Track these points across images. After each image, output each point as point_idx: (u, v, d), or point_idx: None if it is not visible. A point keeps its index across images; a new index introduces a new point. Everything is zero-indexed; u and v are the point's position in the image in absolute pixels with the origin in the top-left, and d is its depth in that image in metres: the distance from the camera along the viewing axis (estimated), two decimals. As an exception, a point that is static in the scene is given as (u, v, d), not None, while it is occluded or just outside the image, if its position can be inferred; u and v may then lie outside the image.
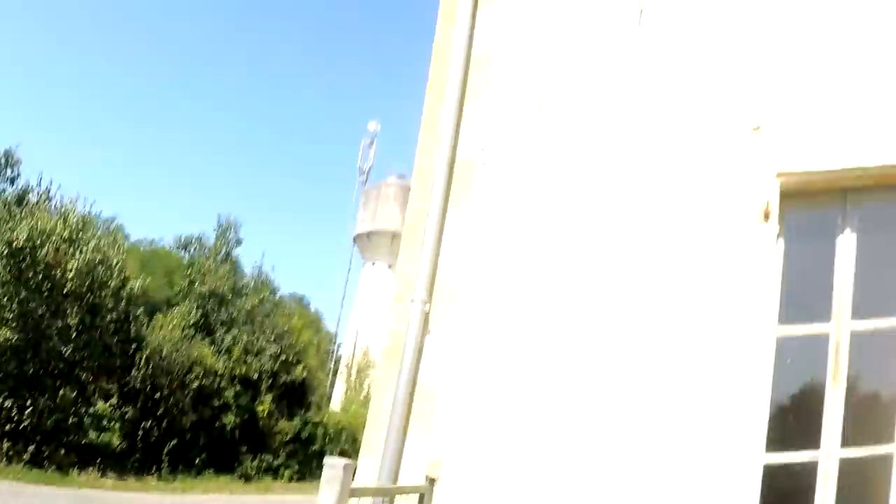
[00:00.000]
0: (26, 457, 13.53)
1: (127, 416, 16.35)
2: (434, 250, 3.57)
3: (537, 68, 3.77)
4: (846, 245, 2.92)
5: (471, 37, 3.93)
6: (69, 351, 14.53)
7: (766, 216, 2.88)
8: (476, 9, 3.97)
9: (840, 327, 2.84)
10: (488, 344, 3.37)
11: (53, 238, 14.11)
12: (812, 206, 3.08)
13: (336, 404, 24.60)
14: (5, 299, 13.69)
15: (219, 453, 17.06)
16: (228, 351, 17.51)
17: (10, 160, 16.17)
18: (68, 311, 14.44)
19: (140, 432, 16.13)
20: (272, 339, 18.39)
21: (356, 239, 33.68)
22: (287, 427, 18.64)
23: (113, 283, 15.20)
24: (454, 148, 3.77)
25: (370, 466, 3.39)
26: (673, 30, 3.43)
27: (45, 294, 14.02)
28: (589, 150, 3.47)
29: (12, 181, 16.18)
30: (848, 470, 2.70)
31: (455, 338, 3.45)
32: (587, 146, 3.49)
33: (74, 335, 14.63)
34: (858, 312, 2.83)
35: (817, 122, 2.94)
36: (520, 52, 3.88)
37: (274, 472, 18.26)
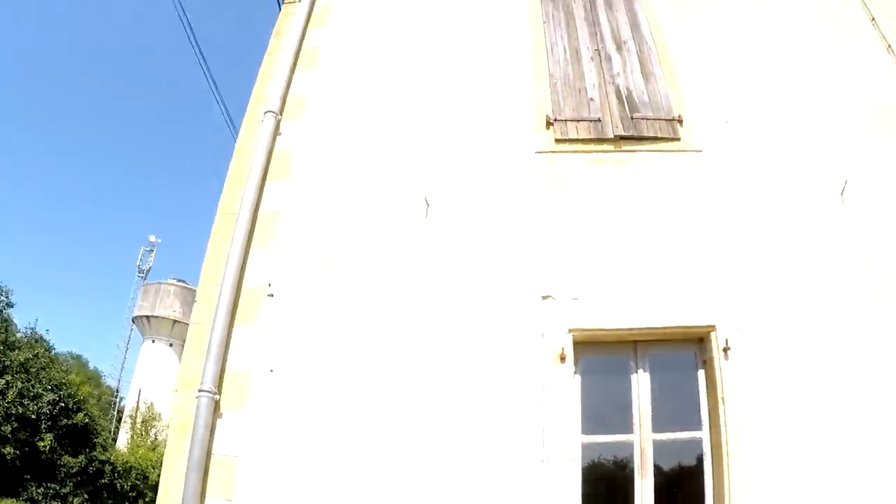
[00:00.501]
0: None
1: None
2: (221, 356, 3.93)
3: (330, 228, 4.52)
4: (641, 380, 4.04)
5: (259, 197, 4.61)
6: None
7: (562, 359, 3.91)
8: (265, 176, 4.74)
9: (643, 438, 3.87)
10: (278, 423, 3.88)
11: None
12: (609, 351, 4.21)
13: (122, 446, 25.83)
14: None
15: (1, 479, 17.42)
16: (2, 393, 17.94)
17: None
18: None
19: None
20: (49, 388, 19.36)
21: (135, 319, 36.79)
22: (72, 462, 19.29)
23: None
24: (238, 285, 4.18)
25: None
26: (460, 218, 4.55)
27: None
28: (382, 308, 4.17)
29: None
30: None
31: (245, 420, 3.88)
32: (379, 303, 4.19)
33: None
34: (656, 427, 3.92)
35: (605, 292, 4.16)
36: (314, 213, 4.62)
37: (62, 498, 18.98)
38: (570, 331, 4.04)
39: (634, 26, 5.72)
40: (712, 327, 4.03)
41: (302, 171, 4.88)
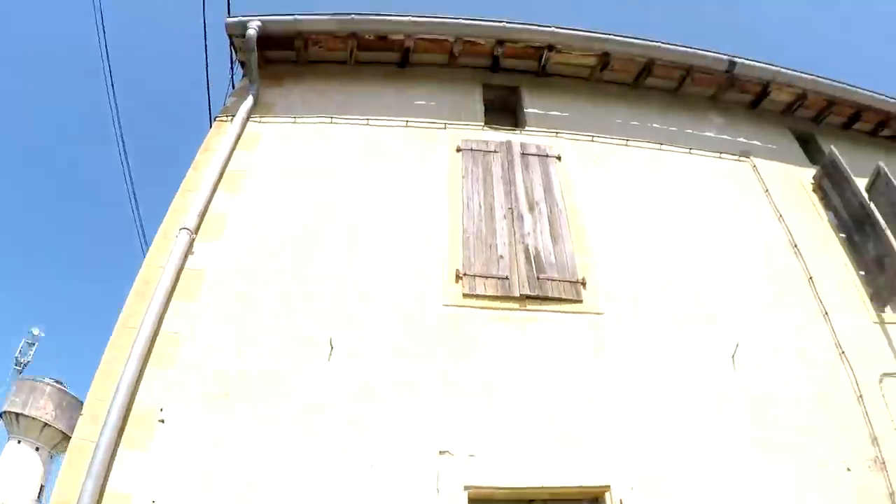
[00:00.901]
0: None
1: None
2: (102, 477, 3.70)
3: (232, 359, 4.49)
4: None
5: (162, 316, 4.56)
6: None
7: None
8: (172, 295, 4.71)
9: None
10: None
11: None
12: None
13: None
14: None
15: None
16: None
17: None
18: None
19: None
20: None
21: (3, 414, 34.28)
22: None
23: None
24: (128, 405, 4.03)
25: None
26: (363, 364, 4.63)
27: None
28: (277, 450, 4.11)
29: None
30: None
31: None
32: (274, 445, 4.12)
33: None
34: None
35: (503, 449, 4.29)
36: (217, 340, 4.59)
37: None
38: (465, 488, 4.10)
39: (548, 188, 6.24)
40: (607, 487, 4.22)
41: (210, 295, 4.88)
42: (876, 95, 8.04)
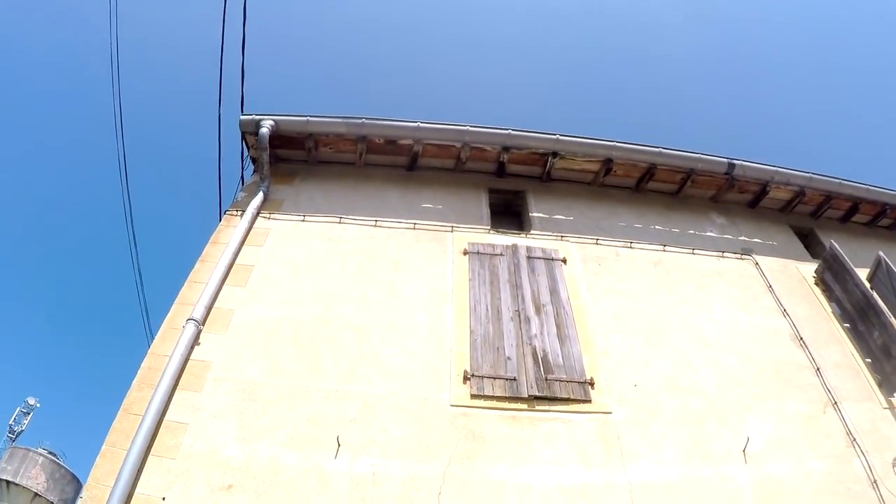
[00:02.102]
0: None
1: None
2: None
3: (236, 452, 4.59)
4: None
5: (167, 405, 4.69)
6: None
7: None
8: (177, 385, 4.86)
9: None
10: None
11: None
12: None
13: None
14: None
15: None
16: None
17: None
18: None
19: None
20: None
21: None
22: None
23: None
24: (130, 493, 4.11)
25: None
26: (371, 464, 4.79)
27: None
28: None
29: None
30: None
31: None
32: None
33: None
34: None
35: None
36: (222, 432, 4.68)
37: None
38: None
39: (554, 291, 6.51)
40: None
41: (216, 387, 5.01)
42: (871, 188, 8.51)
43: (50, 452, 35.36)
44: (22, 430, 36.54)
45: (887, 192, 8.63)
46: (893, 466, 5.31)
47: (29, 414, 37.13)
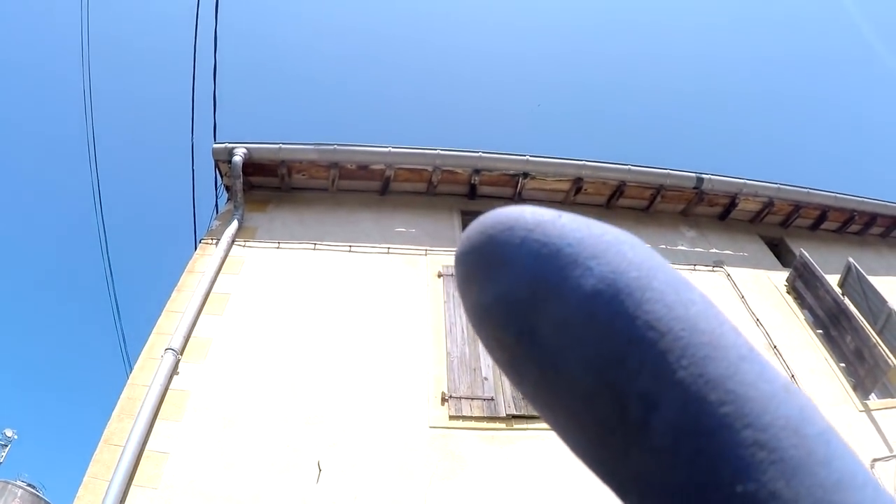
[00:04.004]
0: None
1: None
2: None
3: (218, 480, 4.70)
4: None
5: (147, 435, 4.82)
6: None
7: None
8: (157, 415, 4.97)
9: None
10: None
11: None
12: None
13: None
14: None
15: None
16: None
17: None
18: None
19: None
20: None
21: None
22: None
23: None
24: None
25: None
26: (352, 487, 4.88)
27: None
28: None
29: None
30: None
31: None
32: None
33: None
34: None
35: None
36: (204, 460, 4.80)
37: None
38: None
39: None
40: None
41: (196, 416, 5.12)
42: (839, 195, 8.93)
43: (29, 484, 34.62)
44: (0, 463, 36.08)
45: (855, 199, 9.04)
46: (871, 467, 5.58)
47: (7, 446, 36.45)
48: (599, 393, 0.28)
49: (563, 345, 0.29)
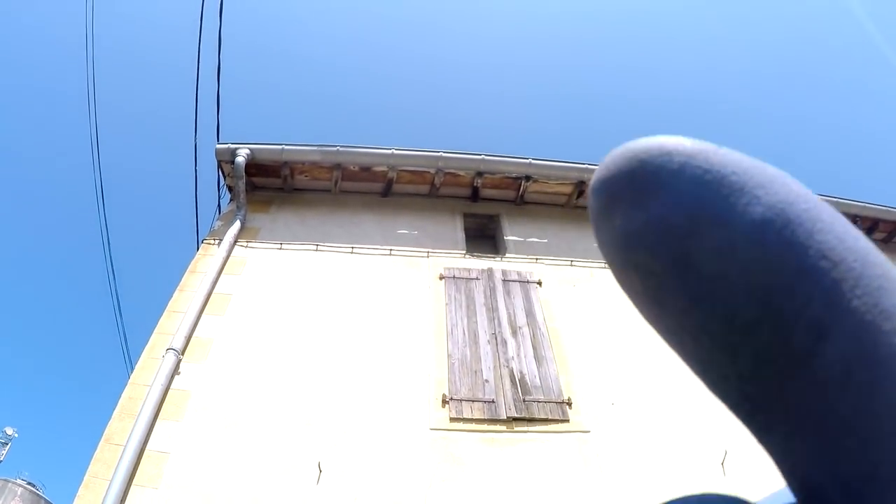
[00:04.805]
0: None
1: None
2: None
3: (218, 480, 4.70)
4: None
5: (148, 434, 4.82)
6: None
7: None
8: (158, 414, 4.99)
9: None
10: None
11: None
12: None
13: None
14: None
15: None
16: None
17: None
18: None
19: None
20: None
21: None
22: None
23: None
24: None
25: None
26: (352, 489, 4.88)
27: None
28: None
29: None
30: None
31: None
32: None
33: None
34: None
35: None
36: (204, 460, 4.81)
37: None
38: None
39: (530, 313, 6.73)
40: None
41: (197, 416, 5.13)
42: (840, 200, 8.78)
43: (29, 483, 34.79)
44: (0, 461, 36.23)
45: (856, 205, 9.00)
46: None
47: (7, 444, 36.60)
48: (761, 321, 0.28)
49: (726, 272, 0.28)
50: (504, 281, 7.04)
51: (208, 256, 6.63)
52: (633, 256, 0.31)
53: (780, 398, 0.27)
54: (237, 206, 7.34)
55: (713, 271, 0.29)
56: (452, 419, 5.50)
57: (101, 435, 4.82)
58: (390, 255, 7.22)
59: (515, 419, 5.56)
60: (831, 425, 0.26)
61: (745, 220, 0.28)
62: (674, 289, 0.30)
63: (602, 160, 0.33)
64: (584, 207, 8.45)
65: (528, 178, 8.01)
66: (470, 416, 5.54)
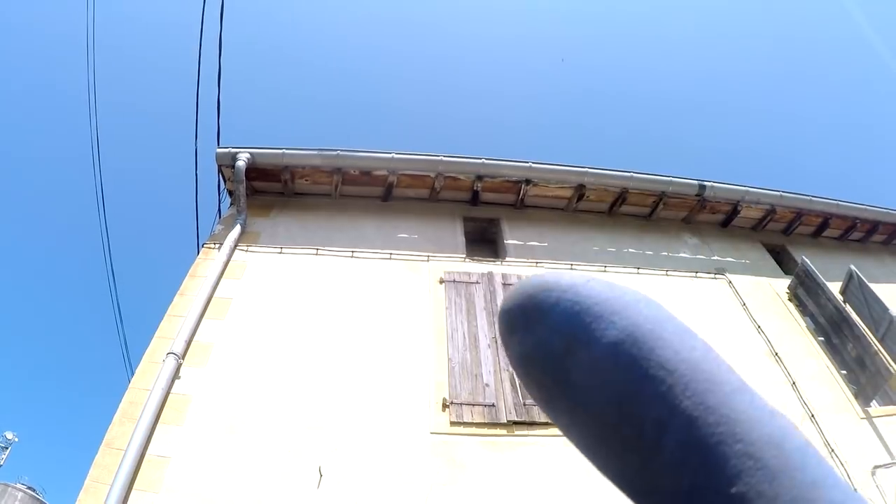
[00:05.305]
0: None
1: None
2: None
3: (219, 487, 4.69)
4: None
5: (149, 439, 4.81)
6: None
7: None
8: (159, 419, 4.98)
9: None
10: None
11: None
12: None
13: None
14: None
15: None
16: None
17: None
18: None
19: None
20: None
21: None
22: None
23: None
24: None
25: None
26: (353, 493, 4.87)
27: None
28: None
29: None
30: None
31: None
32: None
33: None
34: None
35: None
36: (205, 465, 4.80)
37: None
38: None
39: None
40: None
41: (197, 420, 5.12)
42: (841, 203, 8.92)
43: (29, 487, 34.72)
44: (0, 465, 36.32)
45: (856, 207, 9.04)
46: (872, 473, 5.57)
47: (7, 448, 36.62)
48: (621, 420, 0.35)
49: (592, 384, 0.37)
50: (504, 285, 7.04)
51: (209, 260, 6.62)
52: (529, 372, 0.41)
53: (642, 478, 0.35)
54: (237, 211, 7.34)
55: (584, 384, 0.37)
56: (453, 423, 5.50)
57: (102, 440, 4.81)
58: (390, 259, 7.22)
59: (516, 423, 5.55)
60: (677, 498, 0.33)
61: (603, 342, 0.37)
62: (559, 397, 0.39)
63: (506, 293, 0.44)
64: (585, 211, 8.47)
65: (528, 181, 8.01)
66: (470, 420, 5.53)
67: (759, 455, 0.33)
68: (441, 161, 7.83)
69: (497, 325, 0.46)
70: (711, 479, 0.32)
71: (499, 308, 0.44)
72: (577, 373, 0.38)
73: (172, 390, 5.26)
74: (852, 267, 7.48)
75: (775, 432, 0.34)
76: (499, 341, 6.39)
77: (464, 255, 7.49)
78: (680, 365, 0.35)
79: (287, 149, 7.58)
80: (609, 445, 0.36)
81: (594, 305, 0.39)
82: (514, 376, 6.03)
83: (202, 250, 6.90)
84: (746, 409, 0.34)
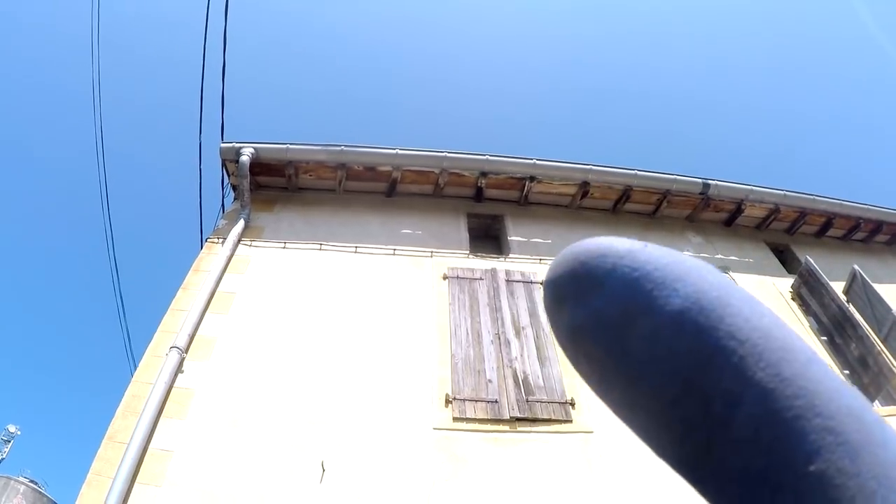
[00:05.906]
0: None
1: None
2: None
3: (222, 480, 4.68)
4: None
5: (152, 432, 4.81)
6: None
7: None
8: (161, 412, 4.99)
9: None
10: None
11: None
12: None
13: None
14: None
15: None
16: None
17: None
18: None
19: None
20: None
21: None
22: None
23: None
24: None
25: None
26: (355, 488, 4.87)
27: None
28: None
29: None
30: None
31: None
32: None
33: None
34: None
35: None
36: (208, 458, 4.79)
37: None
38: None
39: (533, 313, 6.70)
40: None
41: (200, 414, 5.11)
42: (845, 203, 8.89)
43: (32, 481, 34.84)
44: (2, 458, 36.33)
45: (860, 207, 9.01)
46: None
47: (9, 442, 36.77)
48: (686, 394, 0.33)
49: (653, 356, 0.34)
50: (508, 281, 7.02)
51: (212, 255, 6.61)
52: (580, 346, 0.38)
53: (707, 458, 0.32)
54: (241, 205, 7.33)
55: (643, 356, 0.35)
56: (455, 419, 5.48)
57: (105, 433, 4.80)
58: (394, 254, 7.20)
59: (519, 419, 5.53)
60: (748, 478, 0.31)
61: (666, 310, 0.34)
62: (614, 372, 0.36)
63: (553, 261, 0.40)
64: (589, 208, 8.45)
65: (532, 178, 7.99)
66: (473, 416, 5.52)
67: (840, 429, 0.31)
68: (445, 157, 7.81)
69: (543, 297, 0.40)
70: (788, 455, 0.30)
71: (544, 278, 0.40)
72: (637, 344, 0.35)
73: (175, 384, 5.26)
74: (856, 267, 7.45)
75: (855, 404, 0.32)
76: (502, 338, 6.41)
77: (467, 252, 7.47)
78: (752, 334, 0.33)
79: (291, 144, 7.57)
80: (669, 423, 0.34)
81: (654, 271, 0.36)
82: (517, 372, 6.04)
83: (206, 245, 6.89)
84: (823, 379, 0.32)
